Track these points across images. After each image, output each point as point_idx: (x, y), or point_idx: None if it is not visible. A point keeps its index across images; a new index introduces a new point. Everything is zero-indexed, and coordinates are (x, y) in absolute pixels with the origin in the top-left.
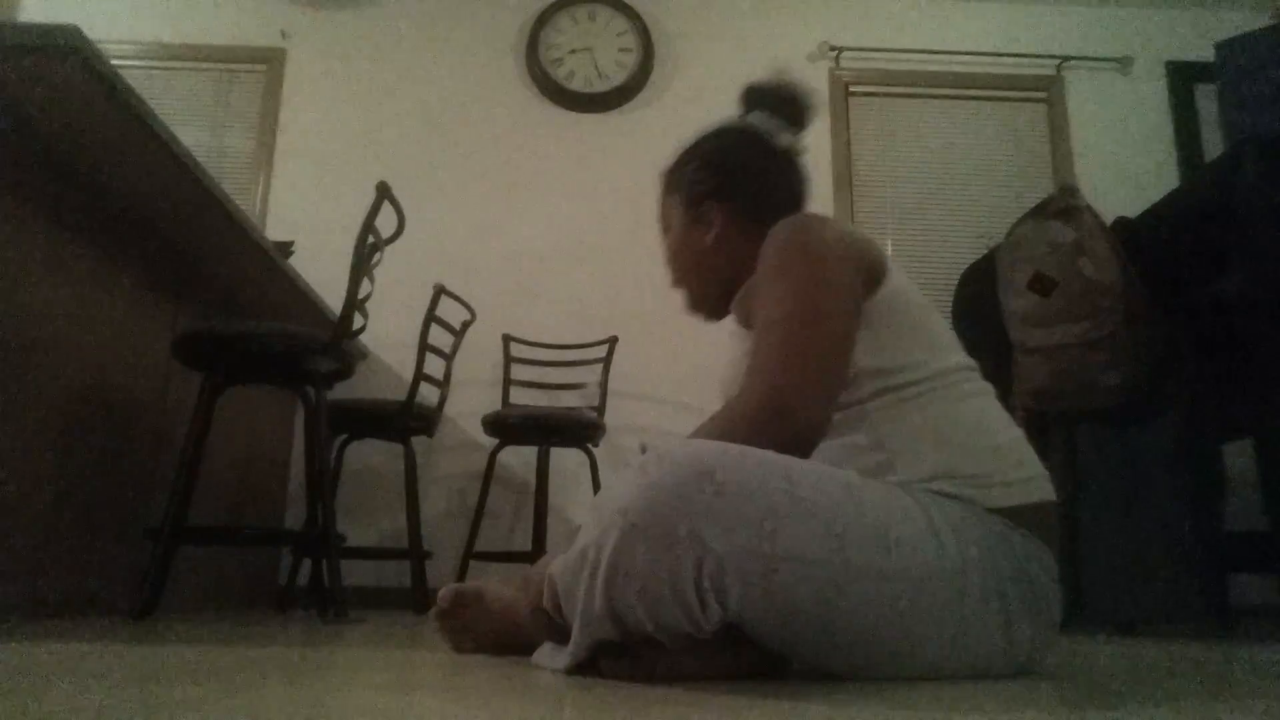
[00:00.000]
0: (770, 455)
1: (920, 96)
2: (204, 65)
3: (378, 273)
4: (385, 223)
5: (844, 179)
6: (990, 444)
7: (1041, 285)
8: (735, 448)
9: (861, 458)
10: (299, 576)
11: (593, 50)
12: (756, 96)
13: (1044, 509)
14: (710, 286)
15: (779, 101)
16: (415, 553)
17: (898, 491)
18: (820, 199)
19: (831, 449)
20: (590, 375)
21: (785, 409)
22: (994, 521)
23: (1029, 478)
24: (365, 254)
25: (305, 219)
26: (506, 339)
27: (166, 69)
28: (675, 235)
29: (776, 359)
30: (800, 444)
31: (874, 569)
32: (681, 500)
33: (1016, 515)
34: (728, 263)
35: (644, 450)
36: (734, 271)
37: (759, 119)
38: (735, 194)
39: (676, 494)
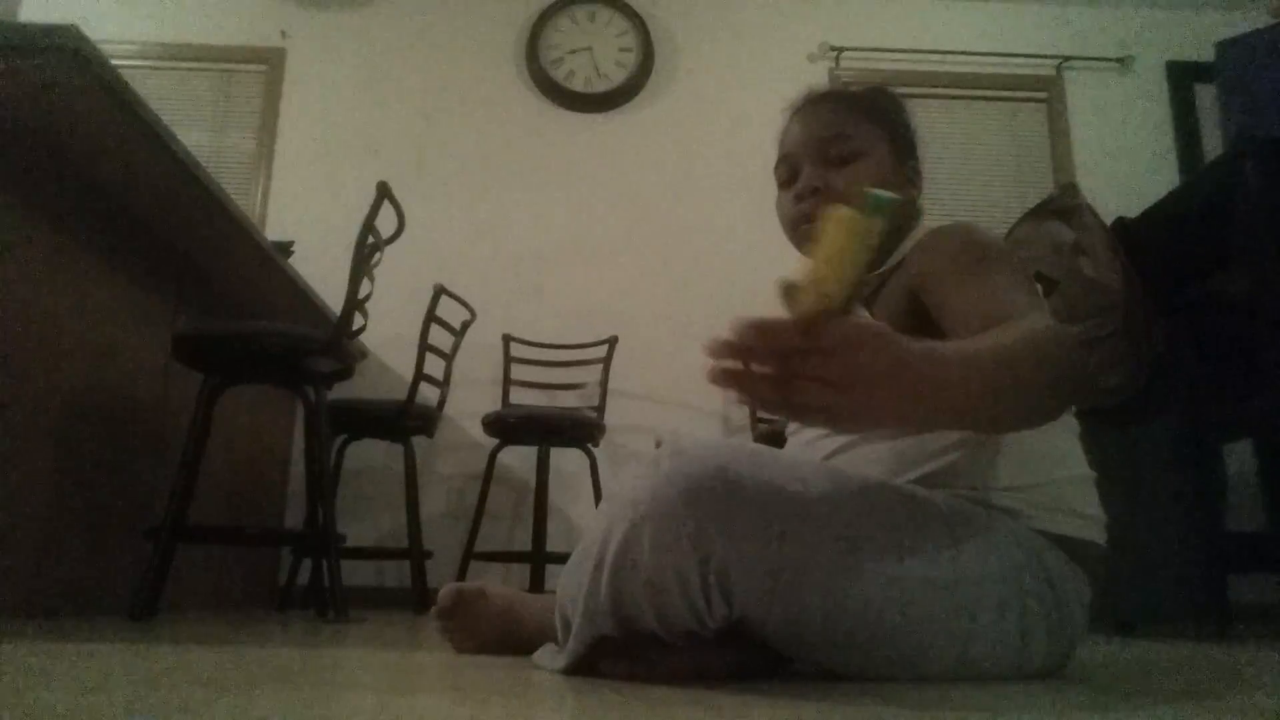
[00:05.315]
0: (786, 456)
1: (920, 96)
2: (204, 65)
3: (378, 273)
4: (385, 223)
5: None
6: (1063, 474)
7: (1041, 285)
8: (751, 446)
9: (930, 461)
10: (299, 576)
11: (593, 50)
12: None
13: (1090, 548)
14: None
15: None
16: (415, 553)
17: (922, 498)
18: None
19: (899, 447)
20: (590, 375)
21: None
22: (1033, 538)
23: (1086, 516)
24: (365, 254)
25: (305, 219)
26: (506, 339)
27: (166, 69)
28: (878, 166)
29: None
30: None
31: (883, 574)
32: (691, 496)
33: (1061, 543)
34: (894, 220)
35: (659, 445)
36: (889, 231)
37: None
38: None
39: (687, 489)
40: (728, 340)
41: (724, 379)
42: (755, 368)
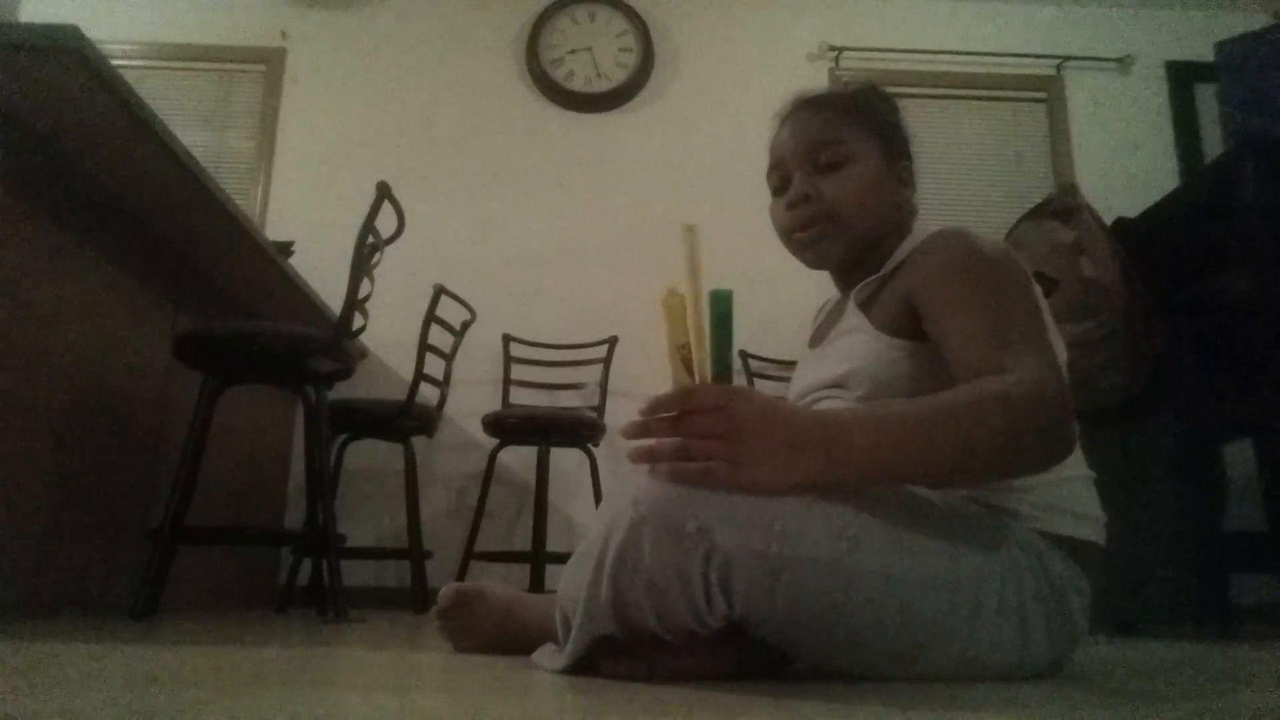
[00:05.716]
0: None
1: (920, 96)
2: (204, 65)
3: (378, 273)
4: (385, 223)
5: None
6: (1063, 474)
7: (1041, 285)
8: None
9: None
10: (299, 576)
11: (593, 50)
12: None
13: (1090, 548)
14: (866, 234)
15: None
16: (415, 553)
17: (922, 499)
18: None
19: None
20: (590, 375)
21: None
22: (1033, 538)
23: (1085, 516)
24: (365, 254)
25: (305, 219)
26: (506, 339)
27: (166, 69)
28: (868, 170)
29: (1042, 364)
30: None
31: (883, 573)
32: (692, 495)
33: (1061, 543)
34: (888, 223)
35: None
36: (884, 234)
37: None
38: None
39: (688, 488)
40: (637, 421)
41: (641, 455)
42: (661, 441)
